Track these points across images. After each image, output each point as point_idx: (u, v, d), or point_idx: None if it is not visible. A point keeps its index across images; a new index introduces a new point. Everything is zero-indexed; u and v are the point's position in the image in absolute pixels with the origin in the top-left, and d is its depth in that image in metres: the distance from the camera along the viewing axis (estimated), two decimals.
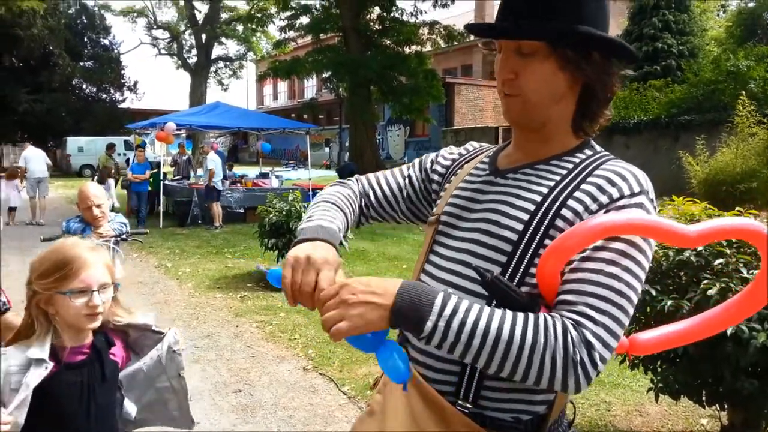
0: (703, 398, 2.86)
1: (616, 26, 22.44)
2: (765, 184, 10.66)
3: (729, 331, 2.48)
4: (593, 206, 1.08)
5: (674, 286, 2.83)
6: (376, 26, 19.20)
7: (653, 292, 2.76)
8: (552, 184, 1.14)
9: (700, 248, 2.76)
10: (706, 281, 2.62)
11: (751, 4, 25.72)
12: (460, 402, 1.13)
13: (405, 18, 19.19)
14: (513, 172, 1.21)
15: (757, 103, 12.31)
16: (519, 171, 1.21)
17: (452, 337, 1.00)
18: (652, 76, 19.05)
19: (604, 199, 1.08)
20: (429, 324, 1.00)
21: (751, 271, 2.62)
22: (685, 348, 2.65)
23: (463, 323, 1.00)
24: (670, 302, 2.67)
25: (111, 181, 12.86)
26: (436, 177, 1.40)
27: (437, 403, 1.14)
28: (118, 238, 3.89)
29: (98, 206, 3.75)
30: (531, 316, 1.02)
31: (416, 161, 1.47)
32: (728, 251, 2.71)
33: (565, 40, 1.09)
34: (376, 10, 19.16)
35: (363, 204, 1.42)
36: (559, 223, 1.09)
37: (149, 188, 12.49)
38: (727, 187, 10.54)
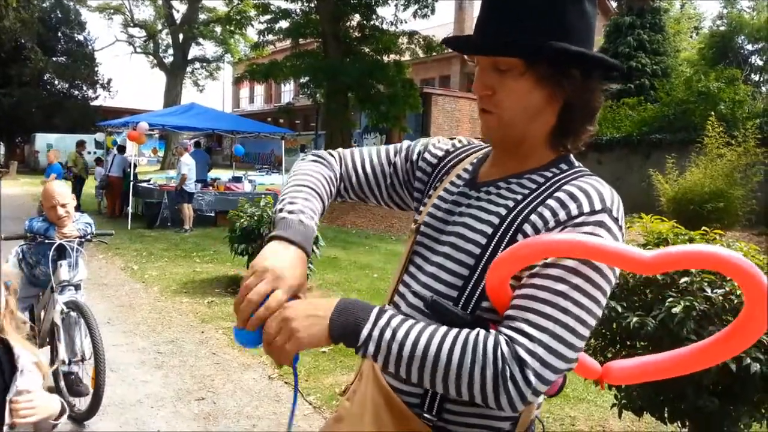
0: (666, 415, 2.89)
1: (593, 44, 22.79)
2: (732, 204, 10.88)
3: None
4: (552, 222, 1.05)
5: (640, 303, 2.85)
6: (356, 33, 19.23)
7: (619, 309, 2.78)
8: (519, 197, 1.12)
9: None
10: (671, 299, 2.64)
11: (722, 28, 26.40)
12: (425, 414, 1.13)
13: (385, 26, 19.25)
14: (486, 185, 1.20)
15: (726, 125, 12.59)
16: (492, 185, 1.19)
17: (385, 349, 1.00)
18: (626, 94, 19.38)
19: (562, 215, 1.04)
20: (364, 332, 1.00)
21: (714, 290, 2.65)
22: None
23: (394, 334, 1.00)
24: (635, 319, 2.69)
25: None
26: (420, 174, 1.35)
27: (403, 413, 1.15)
28: (83, 239, 3.81)
29: (63, 206, 3.66)
30: (464, 332, 1.00)
31: (403, 147, 1.40)
32: (693, 270, 2.74)
33: (539, 56, 1.06)
34: (357, 17, 19.19)
35: (343, 186, 1.39)
36: (519, 238, 1.08)
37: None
38: (694, 206, 10.73)
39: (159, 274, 7.99)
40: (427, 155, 1.36)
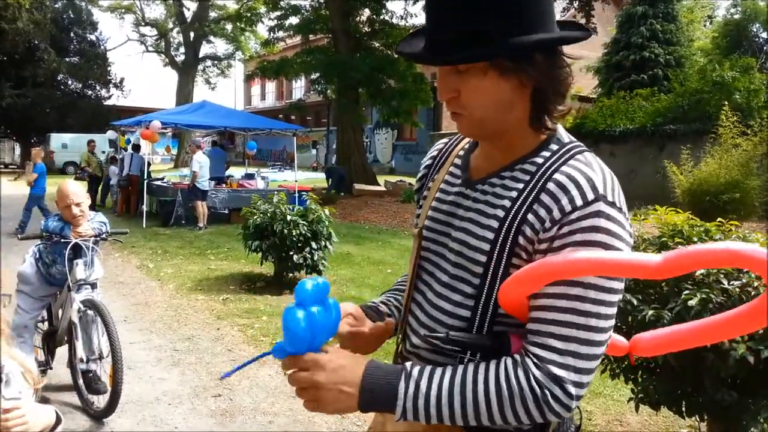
0: (683, 409, 2.86)
1: (605, 34, 22.60)
2: (747, 195, 10.76)
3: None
4: (548, 222, 1.03)
5: (655, 295, 2.83)
6: (366, 28, 19.20)
7: (634, 302, 2.76)
8: (514, 194, 1.11)
9: None
10: (687, 291, 2.62)
11: (736, 16, 26.07)
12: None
13: (395, 21, 19.19)
14: (482, 182, 1.18)
15: (741, 114, 12.43)
16: (487, 182, 1.17)
17: (424, 415, 1.03)
18: (639, 84, 19.22)
19: (556, 212, 1.03)
20: (398, 410, 1.03)
21: (731, 282, 2.63)
22: (666, 358, 2.65)
23: (428, 401, 1.03)
24: (651, 312, 2.67)
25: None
26: (419, 199, 1.38)
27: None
28: (98, 238, 3.84)
29: (77, 205, 3.70)
30: (491, 371, 1.03)
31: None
32: None
33: (498, 57, 1.03)
34: (366, 12, 19.15)
35: None
36: (522, 240, 1.07)
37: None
38: (710, 197, 10.61)
39: (174, 271, 8.05)
40: (422, 170, 1.39)
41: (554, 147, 1.13)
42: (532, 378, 0.99)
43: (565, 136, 1.15)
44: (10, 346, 1.66)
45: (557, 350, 0.99)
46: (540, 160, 1.12)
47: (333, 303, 1.06)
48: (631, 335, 2.94)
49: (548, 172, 1.08)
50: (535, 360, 1.00)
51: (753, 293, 2.58)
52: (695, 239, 2.88)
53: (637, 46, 20.44)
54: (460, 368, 1.05)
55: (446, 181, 1.27)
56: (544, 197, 1.05)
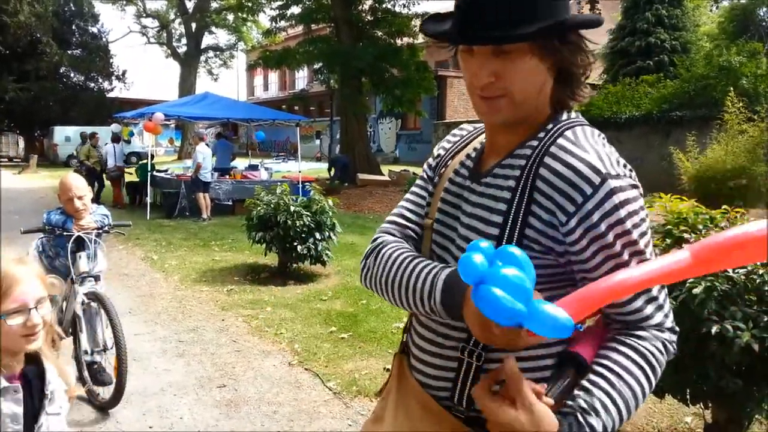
0: (688, 397, 2.85)
1: (610, 20, 22.41)
2: (754, 181, 10.69)
3: (713, 330, 2.47)
4: (561, 215, 1.05)
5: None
6: (368, 17, 19.06)
7: None
8: (512, 183, 1.11)
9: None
10: (691, 280, 2.59)
11: (743, 1, 25.79)
12: (456, 407, 1.16)
13: (397, 9, 19.07)
14: (486, 175, 1.17)
15: (748, 100, 12.32)
16: (491, 173, 1.16)
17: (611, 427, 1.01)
18: (644, 71, 19.06)
19: (569, 206, 1.04)
20: None
21: (736, 270, 2.61)
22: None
23: (613, 421, 1.01)
24: None
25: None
26: (429, 179, 1.35)
27: (434, 409, 1.18)
28: (101, 230, 3.85)
29: (80, 198, 3.70)
30: (645, 364, 1.05)
31: (419, 178, 1.38)
32: None
33: (556, 35, 1.05)
34: (368, 0, 19.03)
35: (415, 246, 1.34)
36: (530, 233, 1.07)
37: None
38: (716, 183, 10.55)
39: (178, 263, 8.06)
40: (430, 162, 1.36)
41: (549, 126, 1.13)
42: (669, 345, 1.08)
43: (565, 114, 1.15)
44: (53, 349, 1.66)
45: (662, 308, 1.09)
46: (535, 143, 1.12)
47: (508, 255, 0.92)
48: None
49: (540, 155, 1.09)
50: (657, 329, 1.08)
51: (758, 281, 2.57)
52: (700, 227, 2.86)
53: (643, 31, 20.27)
54: (619, 379, 1.03)
55: (456, 172, 1.25)
56: (545, 188, 1.06)
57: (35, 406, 1.54)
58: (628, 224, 1.03)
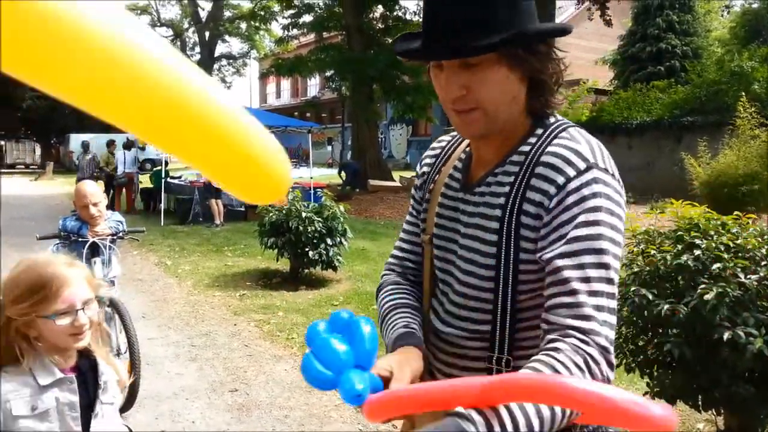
0: (700, 403, 2.84)
1: (620, 26, 22.35)
2: (766, 186, 10.60)
3: (725, 336, 2.46)
4: (546, 201, 1.05)
5: (671, 290, 2.81)
6: (379, 25, 19.18)
7: (650, 296, 2.74)
8: (507, 189, 1.12)
9: (697, 252, 2.74)
10: (703, 286, 2.60)
11: (755, 5, 25.61)
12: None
13: (408, 17, 19.16)
14: (478, 185, 1.19)
15: (761, 105, 12.23)
16: (483, 182, 1.18)
17: None
18: (655, 76, 18.99)
19: (553, 190, 1.04)
20: None
21: (748, 276, 2.60)
22: (682, 352, 2.64)
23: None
24: (666, 306, 2.65)
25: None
26: (420, 199, 1.36)
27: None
28: (115, 236, 3.89)
29: (95, 204, 3.75)
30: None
31: (411, 200, 1.41)
32: (726, 255, 2.69)
33: (517, 45, 1.05)
34: (379, 8, 19.13)
35: (414, 274, 1.37)
36: (524, 231, 1.08)
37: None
38: (728, 189, 10.47)
39: (192, 268, 8.13)
40: (417, 180, 1.38)
41: (539, 131, 1.14)
42: (589, 363, 0.94)
43: (551, 118, 1.16)
44: (105, 346, 1.74)
45: (597, 320, 0.98)
46: (527, 148, 1.13)
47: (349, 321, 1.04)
48: (648, 330, 2.91)
49: (536, 157, 1.10)
50: (581, 339, 0.96)
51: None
52: (711, 233, 2.85)
53: (654, 37, 20.22)
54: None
55: (447, 185, 1.27)
56: (535, 181, 1.07)
57: (90, 396, 1.63)
58: (602, 215, 1.02)
